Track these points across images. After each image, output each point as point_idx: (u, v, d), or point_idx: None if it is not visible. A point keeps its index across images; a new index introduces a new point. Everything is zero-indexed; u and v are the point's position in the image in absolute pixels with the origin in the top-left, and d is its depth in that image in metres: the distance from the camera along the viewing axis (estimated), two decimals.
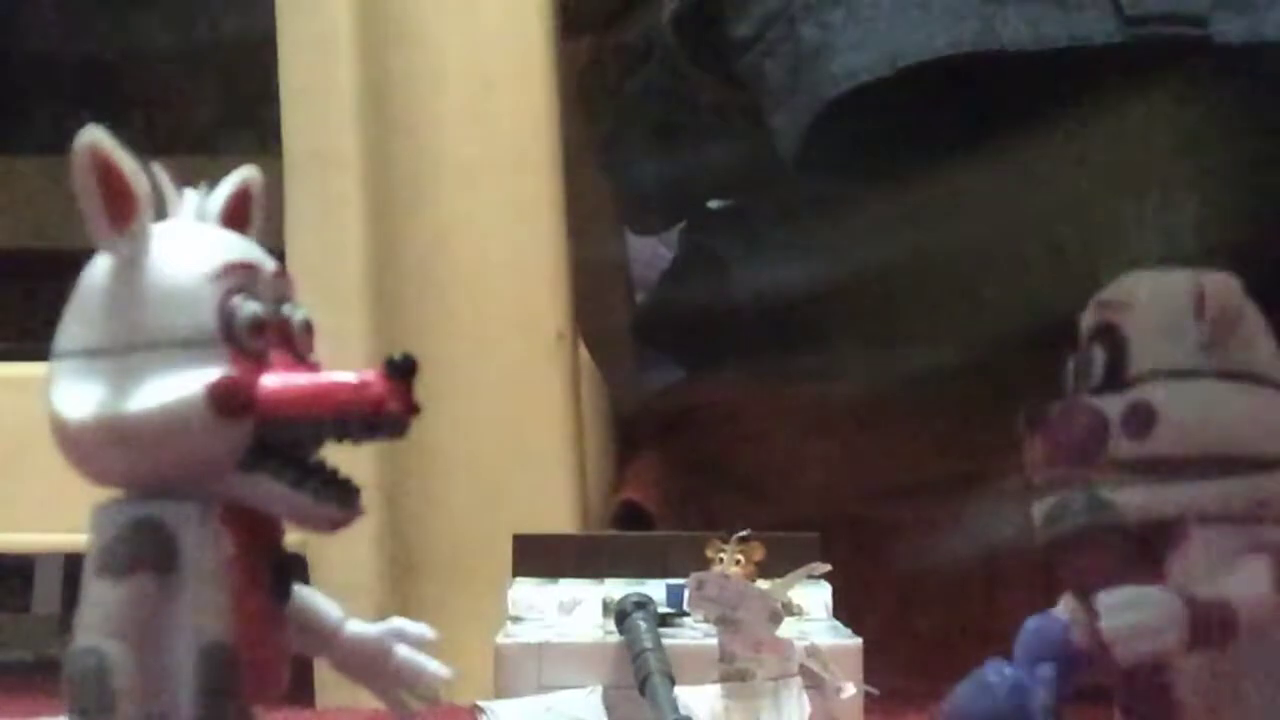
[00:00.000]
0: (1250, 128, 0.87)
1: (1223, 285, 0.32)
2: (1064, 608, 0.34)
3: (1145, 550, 0.32)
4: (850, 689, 0.61)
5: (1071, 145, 0.88)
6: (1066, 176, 0.88)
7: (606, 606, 0.65)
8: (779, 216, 1.04)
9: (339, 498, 0.30)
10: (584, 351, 1.00)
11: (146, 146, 0.31)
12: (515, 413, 0.87)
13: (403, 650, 0.33)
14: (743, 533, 0.66)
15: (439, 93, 0.88)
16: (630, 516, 0.99)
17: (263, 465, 0.30)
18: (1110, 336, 0.33)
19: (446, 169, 0.87)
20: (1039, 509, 0.32)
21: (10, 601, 1.35)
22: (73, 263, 0.32)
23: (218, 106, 1.31)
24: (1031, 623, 0.34)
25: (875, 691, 0.62)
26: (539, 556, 0.68)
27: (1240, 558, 0.32)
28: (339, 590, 0.37)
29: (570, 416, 0.89)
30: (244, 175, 0.31)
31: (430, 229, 0.87)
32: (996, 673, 0.34)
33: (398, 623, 0.33)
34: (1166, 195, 0.33)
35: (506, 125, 0.89)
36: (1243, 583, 0.32)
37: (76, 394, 0.29)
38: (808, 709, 0.59)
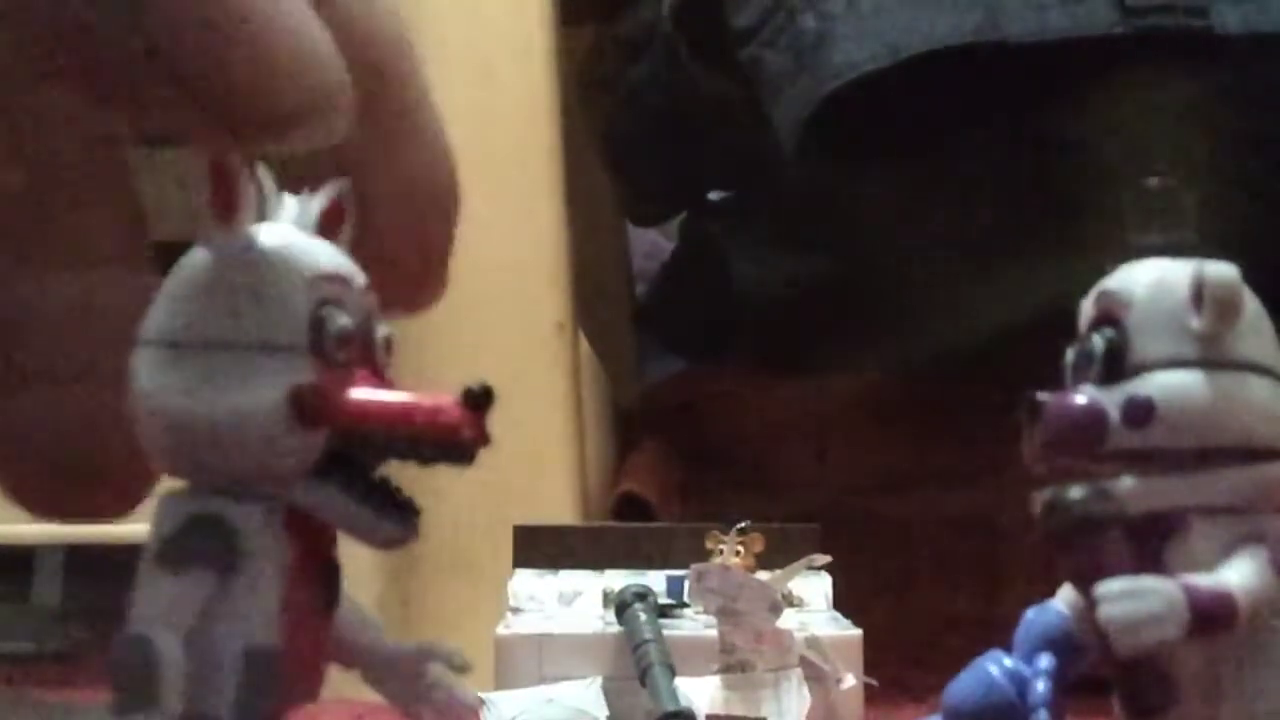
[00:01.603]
0: (1251, 117, 0.87)
1: (1222, 276, 0.32)
2: (1063, 599, 0.34)
3: (1145, 541, 0.32)
4: (850, 680, 0.61)
5: (1072, 136, 0.88)
6: (1067, 167, 0.88)
7: (607, 597, 0.65)
8: (780, 208, 1.04)
9: (401, 517, 0.30)
10: (584, 343, 1.00)
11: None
12: (515, 403, 0.86)
13: (436, 670, 0.33)
14: (743, 524, 0.66)
15: (439, 83, 0.87)
16: (630, 507, 0.99)
17: (333, 476, 0.30)
18: (1110, 327, 0.33)
19: None
20: (1038, 500, 0.32)
21: (10, 592, 1.35)
22: None
23: None
24: (1031, 613, 0.34)
25: (875, 682, 0.62)
26: (539, 547, 0.68)
27: (1240, 547, 0.32)
28: None
29: (570, 407, 0.89)
30: (337, 187, 0.31)
31: None
32: (996, 663, 0.34)
33: (431, 643, 0.33)
34: (1167, 185, 0.33)
35: (507, 116, 0.89)
36: (1243, 572, 0.32)
37: (159, 383, 0.29)
38: (808, 700, 0.59)
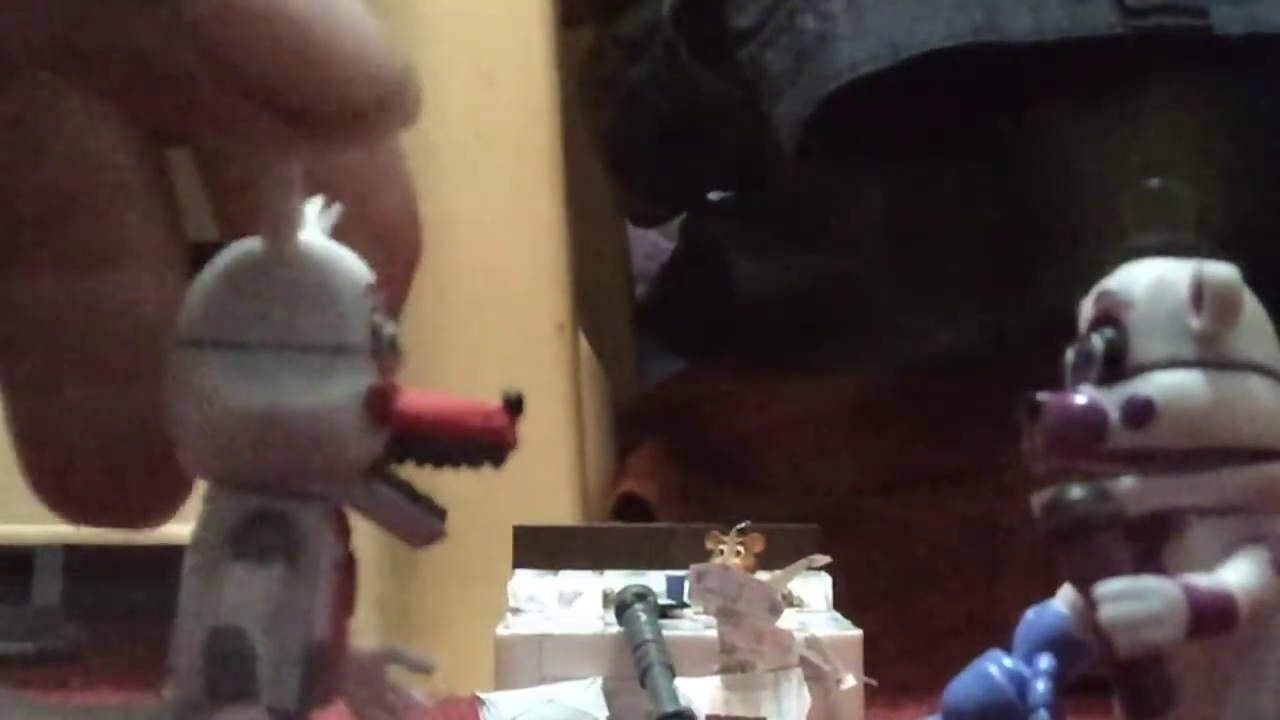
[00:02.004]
0: (1251, 118, 0.87)
1: (1222, 275, 0.32)
2: (1063, 598, 0.34)
3: (1145, 541, 0.32)
4: (850, 680, 0.61)
5: (1072, 136, 0.88)
6: (1067, 167, 0.88)
7: (607, 598, 0.65)
8: (780, 208, 1.04)
9: (438, 515, 0.31)
10: (584, 343, 1.00)
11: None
12: None
13: (392, 673, 0.33)
14: (743, 524, 0.66)
15: (440, 84, 0.87)
16: (630, 508, 0.99)
17: (382, 476, 0.30)
18: (1110, 327, 0.33)
19: (447, 160, 0.87)
20: (1038, 500, 0.32)
21: (10, 592, 1.35)
22: None
23: None
24: (1031, 613, 0.34)
25: (874, 683, 0.62)
26: (539, 547, 0.68)
27: (1240, 548, 0.32)
28: None
29: (571, 408, 0.89)
30: (319, 201, 0.31)
31: (431, 220, 0.87)
32: (996, 663, 0.34)
33: (395, 647, 0.33)
34: (1167, 186, 0.33)
35: (507, 116, 0.89)
36: (1242, 572, 0.32)
37: (231, 383, 0.29)
38: (808, 700, 0.59)
